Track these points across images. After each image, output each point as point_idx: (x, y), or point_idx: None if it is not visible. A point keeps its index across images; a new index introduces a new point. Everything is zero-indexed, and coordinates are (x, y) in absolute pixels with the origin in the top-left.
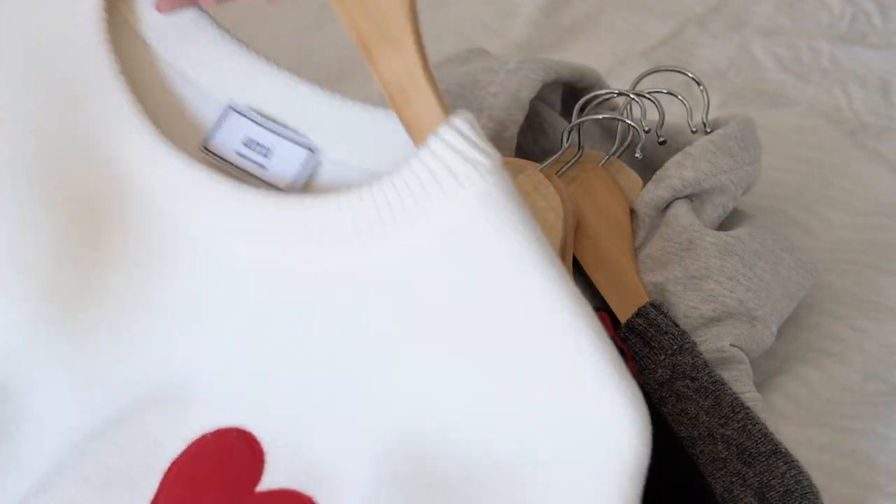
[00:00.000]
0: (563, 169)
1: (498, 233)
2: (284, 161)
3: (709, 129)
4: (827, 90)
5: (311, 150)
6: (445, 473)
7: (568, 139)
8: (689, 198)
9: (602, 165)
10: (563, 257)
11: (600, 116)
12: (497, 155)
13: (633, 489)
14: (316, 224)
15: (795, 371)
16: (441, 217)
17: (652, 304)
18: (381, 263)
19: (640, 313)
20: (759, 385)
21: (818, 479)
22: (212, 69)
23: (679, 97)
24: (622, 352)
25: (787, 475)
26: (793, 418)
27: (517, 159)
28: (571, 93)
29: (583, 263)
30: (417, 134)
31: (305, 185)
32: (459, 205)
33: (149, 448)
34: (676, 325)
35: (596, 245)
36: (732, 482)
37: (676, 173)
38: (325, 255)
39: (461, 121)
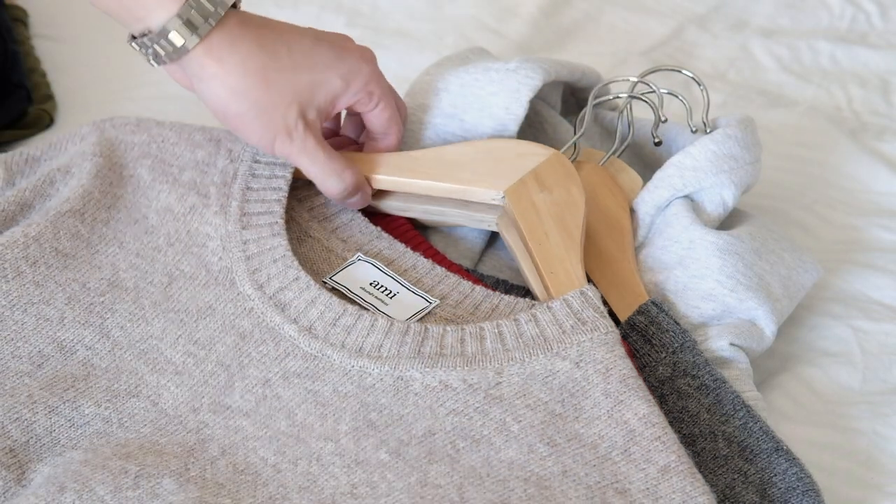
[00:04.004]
0: None
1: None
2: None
3: (709, 129)
4: (827, 90)
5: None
6: None
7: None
8: (689, 197)
9: (602, 165)
10: None
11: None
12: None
13: None
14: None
15: (795, 371)
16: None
17: (653, 302)
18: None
19: (641, 311)
20: (760, 385)
21: (819, 478)
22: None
23: (679, 97)
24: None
25: (789, 472)
26: (793, 418)
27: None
28: (571, 92)
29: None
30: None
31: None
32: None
33: None
34: (677, 324)
35: (596, 244)
36: (734, 479)
37: (677, 172)
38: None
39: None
